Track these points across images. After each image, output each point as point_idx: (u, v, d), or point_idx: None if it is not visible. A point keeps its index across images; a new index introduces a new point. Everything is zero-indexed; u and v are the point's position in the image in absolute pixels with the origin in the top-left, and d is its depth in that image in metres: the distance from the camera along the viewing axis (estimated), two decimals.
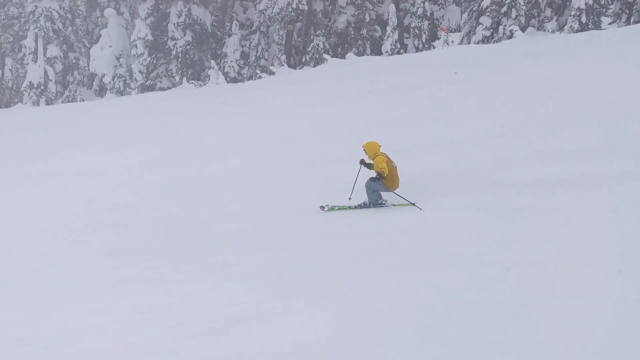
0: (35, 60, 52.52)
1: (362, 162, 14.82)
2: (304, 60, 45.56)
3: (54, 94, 52.70)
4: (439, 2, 48.32)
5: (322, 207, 14.90)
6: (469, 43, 41.13)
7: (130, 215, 17.07)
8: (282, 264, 11.28)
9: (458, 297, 8.26)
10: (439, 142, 20.15)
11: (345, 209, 14.91)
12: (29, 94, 52.08)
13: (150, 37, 48.67)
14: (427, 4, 45.84)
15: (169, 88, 48.05)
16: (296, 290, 9.55)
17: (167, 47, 48.61)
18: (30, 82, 52.09)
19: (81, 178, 22.45)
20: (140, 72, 48.90)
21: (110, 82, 50.90)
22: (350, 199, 15.00)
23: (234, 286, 10.19)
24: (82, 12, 61.91)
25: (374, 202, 14.63)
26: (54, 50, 52.82)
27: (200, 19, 47.94)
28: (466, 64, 31.30)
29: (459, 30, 45.34)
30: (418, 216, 13.36)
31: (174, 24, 47.87)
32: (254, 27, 48.22)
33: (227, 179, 19.79)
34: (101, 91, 52.59)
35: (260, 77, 43.71)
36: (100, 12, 59.97)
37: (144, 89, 48.64)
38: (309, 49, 45.33)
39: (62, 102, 52.09)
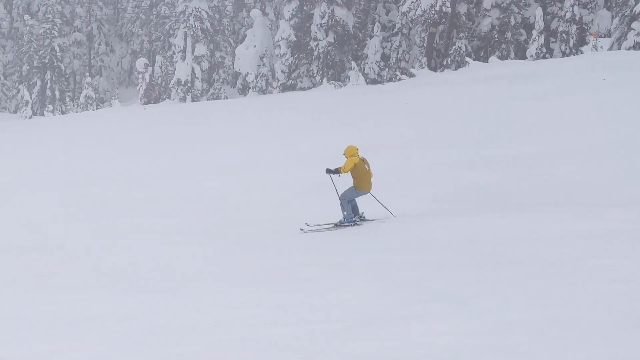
0: (183, 58, 54.47)
1: (328, 171, 15.14)
2: (445, 63, 45.08)
3: (199, 91, 54.51)
4: (588, 7, 46.65)
5: (302, 229, 14.88)
6: (619, 49, 39.52)
7: (274, 213, 17.44)
8: (417, 266, 11.19)
9: (604, 310, 7.94)
10: (578, 150, 19.55)
11: (324, 228, 14.80)
12: (176, 90, 54.09)
13: (293, 37, 49.46)
14: (576, 7, 44.35)
15: (309, 88, 48.70)
16: (434, 294, 9.43)
17: (309, 47, 49.26)
18: (178, 79, 54.09)
19: (228, 173, 23.12)
20: (282, 71, 49.79)
21: (253, 81, 52.11)
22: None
23: (369, 286, 10.18)
24: (229, 12, 63.86)
25: (349, 219, 14.70)
26: (201, 49, 54.65)
27: (343, 20, 48.30)
28: (616, 70, 30.11)
29: (609, 36, 43.63)
30: (552, 225, 13.00)
31: (317, 25, 48.44)
32: (395, 29, 48.14)
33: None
34: (244, 89, 53.94)
35: (400, 79, 43.60)
36: (247, 13, 61.63)
37: (285, 88, 49.50)
38: (451, 51, 44.81)
39: (207, 99, 53.78)
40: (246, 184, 21.38)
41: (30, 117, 57.82)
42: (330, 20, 48.19)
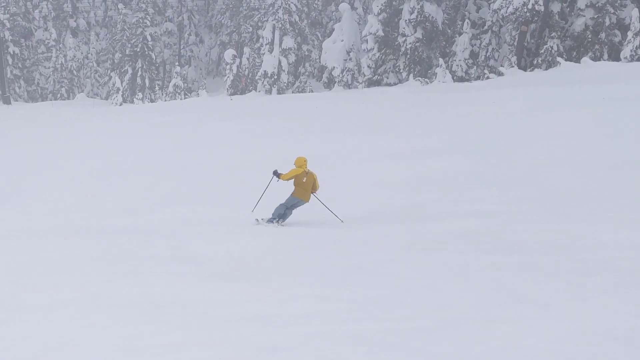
0: (271, 50, 54.83)
1: (275, 173, 16.18)
2: (535, 62, 44.16)
3: (285, 84, 54.81)
4: None
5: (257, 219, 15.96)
6: None
7: (359, 207, 17.41)
8: (505, 267, 10.98)
9: None
10: None
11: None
12: (262, 82, 54.51)
13: (381, 32, 49.21)
14: None
15: (394, 84, 48.40)
16: (519, 297, 9.24)
17: (396, 43, 48.93)
18: (264, 71, 54.49)
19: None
20: (368, 66, 49.59)
21: (339, 75, 52.06)
22: (253, 211, 16.44)
23: (454, 285, 10.06)
24: (318, 5, 64.06)
25: (272, 218, 15.61)
26: (288, 42, 54.92)
27: (432, 17, 47.79)
28: None
29: None
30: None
31: (406, 20, 48.07)
32: (486, 27, 47.40)
33: (442, 178, 19.68)
34: (329, 83, 53.97)
35: (488, 78, 42.91)
36: (335, 7, 61.65)
37: (370, 83, 49.32)
38: (542, 51, 43.85)
39: (292, 92, 54.05)
40: (329, 177, 21.37)
41: (120, 104, 59.18)
42: (419, 16, 47.72)
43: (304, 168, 15.67)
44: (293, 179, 15.73)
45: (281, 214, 15.63)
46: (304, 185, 15.53)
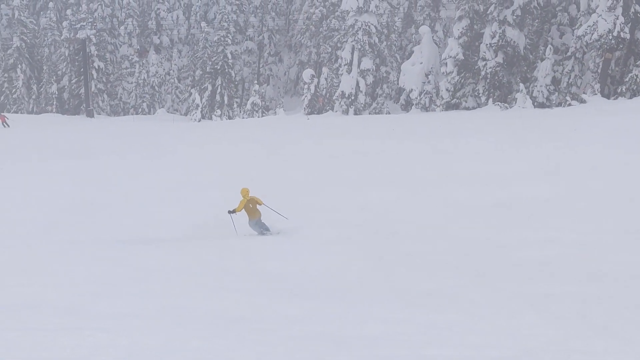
0: (349, 71, 54.98)
1: (229, 211, 18.46)
2: (619, 90, 43.17)
3: (362, 105, 54.86)
4: None
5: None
6: None
7: (435, 230, 17.25)
8: (588, 299, 10.67)
9: None
10: None
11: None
12: (339, 102, 54.67)
13: (461, 56, 48.87)
14: None
15: (473, 108, 47.94)
16: (600, 330, 8.95)
17: (476, 67, 48.51)
18: (342, 91, 54.65)
19: (391, 186, 23.08)
20: (447, 90, 49.28)
21: (416, 98, 51.87)
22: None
23: (533, 315, 9.82)
24: (397, 28, 64.07)
25: (265, 231, 18.46)
26: (367, 63, 54.98)
27: (514, 41, 47.23)
28: None
29: None
30: None
31: (487, 44, 47.64)
32: (569, 53, 46.56)
33: (521, 205, 19.31)
34: (407, 106, 53.81)
35: (569, 105, 42.13)
36: (415, 29, 61.58)
37: (448, 107, 48.97)
38: (627, 79, 42.85)
39: (369, 113, 54.05)
40: (400, 200, 21.26)
41: (199, 120, 60.20)
42: (500, 41, 47.23)
43: (247, 197, 18.22)
44: (244, 207, 18.34)
45: (262, 231, 18.37)
46: (251, 210, 18.32)
